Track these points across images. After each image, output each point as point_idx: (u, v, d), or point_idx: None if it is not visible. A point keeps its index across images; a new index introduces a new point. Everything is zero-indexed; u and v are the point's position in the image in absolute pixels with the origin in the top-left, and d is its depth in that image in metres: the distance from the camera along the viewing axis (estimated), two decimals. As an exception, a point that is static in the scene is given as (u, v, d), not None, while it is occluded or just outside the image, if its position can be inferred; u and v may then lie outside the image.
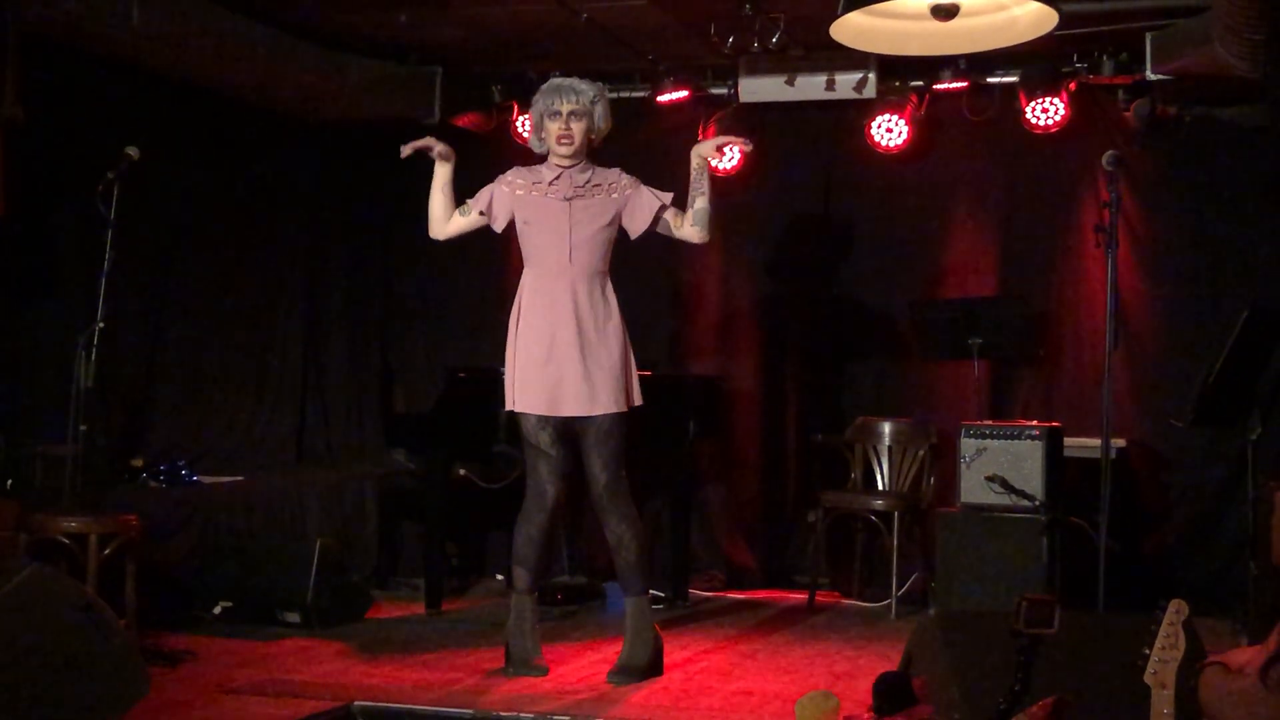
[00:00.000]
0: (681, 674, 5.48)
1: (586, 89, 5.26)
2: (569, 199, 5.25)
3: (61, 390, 5.81)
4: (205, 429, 7.68)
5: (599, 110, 5.28)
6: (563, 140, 5.23)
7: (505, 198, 5.37)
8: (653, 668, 5.29)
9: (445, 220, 5.50)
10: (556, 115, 5.23)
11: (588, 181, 5.29)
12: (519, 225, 5.35)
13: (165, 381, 7.49)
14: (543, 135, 5.32)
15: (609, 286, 5.31)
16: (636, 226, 5.36)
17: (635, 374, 5.33)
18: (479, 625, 6.54)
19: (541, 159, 5.42)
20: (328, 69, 7.37)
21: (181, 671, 5.32)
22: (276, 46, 7.01)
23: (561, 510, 5.41)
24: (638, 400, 5.32)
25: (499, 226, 5.42)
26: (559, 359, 5.17)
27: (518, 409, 5.26)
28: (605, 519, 5.31)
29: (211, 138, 7.59)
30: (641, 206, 5.33)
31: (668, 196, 5.39)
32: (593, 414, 5.18)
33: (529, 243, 5.32)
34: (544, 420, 5.23)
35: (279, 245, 8.28)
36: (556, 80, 5.33)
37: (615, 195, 5.31)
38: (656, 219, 5.35)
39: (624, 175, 5.37)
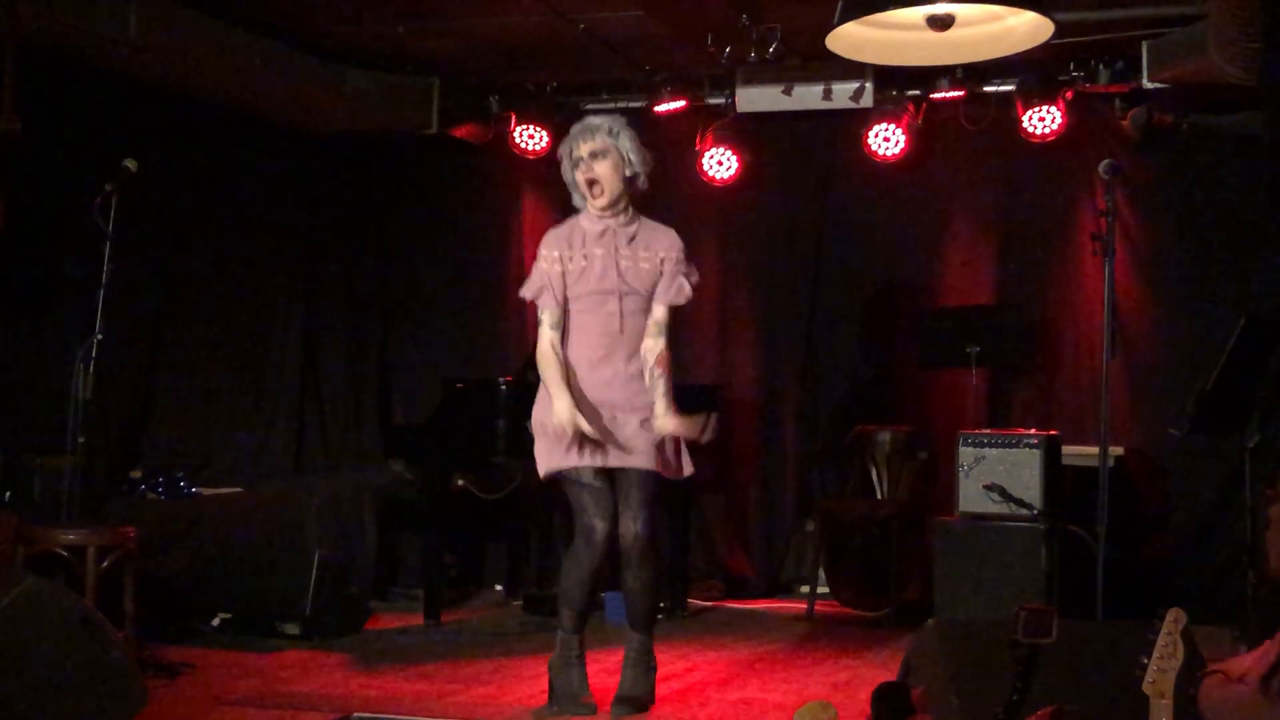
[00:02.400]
0: (680, 684, 5.48)
1: (602, 122, 4.86)
2: (617, 262, 4.86)
3: (60, 402, 5.80)
4: (204, 440, 7.67)
5: (624, 141, 4.84)
6: (594, 190, 4.83)
7: (557, 277, 4.91)
8: (650, 696, 5.07)
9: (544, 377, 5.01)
10: (580, 162, 4.84)
11: (633, 239, 4.90)
12: (571, 287, 4.94)
13: (164, 393, 7.48)
14: (581, 194, 4.90)
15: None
16: (655, 296, 4.97)
17: (684, 447, 5.02)
18: (478, 636, 6.55)
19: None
20: (326, 80, 7.38)
21: (180, 683, 5.32)
22: (274, 58, 7.02)
23: (610, 546, 4.96)
24: (690, 470, 5.06)
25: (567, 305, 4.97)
26: (605, 415, 4.85)
27: (550, 470, 4.92)
28: (633, 566, 4.94)
29: (209, 150, 7.59)
30: (661, 290, 4.94)
31: (686, 295, 4.99)
32: (637, 467, 4.88)
33: (576, 309, 4.93)
34: (584, 453, 4.87)
35: (277, 257, 8.28)
36: (575, 126, 4.94)
37: (658, 265, 4.91)
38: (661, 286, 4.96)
39: (675, 245, 4.96)
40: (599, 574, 5.00)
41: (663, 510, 7.15)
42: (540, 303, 4.97)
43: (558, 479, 4.96)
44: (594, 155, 4.82)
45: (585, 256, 4.89)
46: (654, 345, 4.93)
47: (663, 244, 4.95)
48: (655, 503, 4.99)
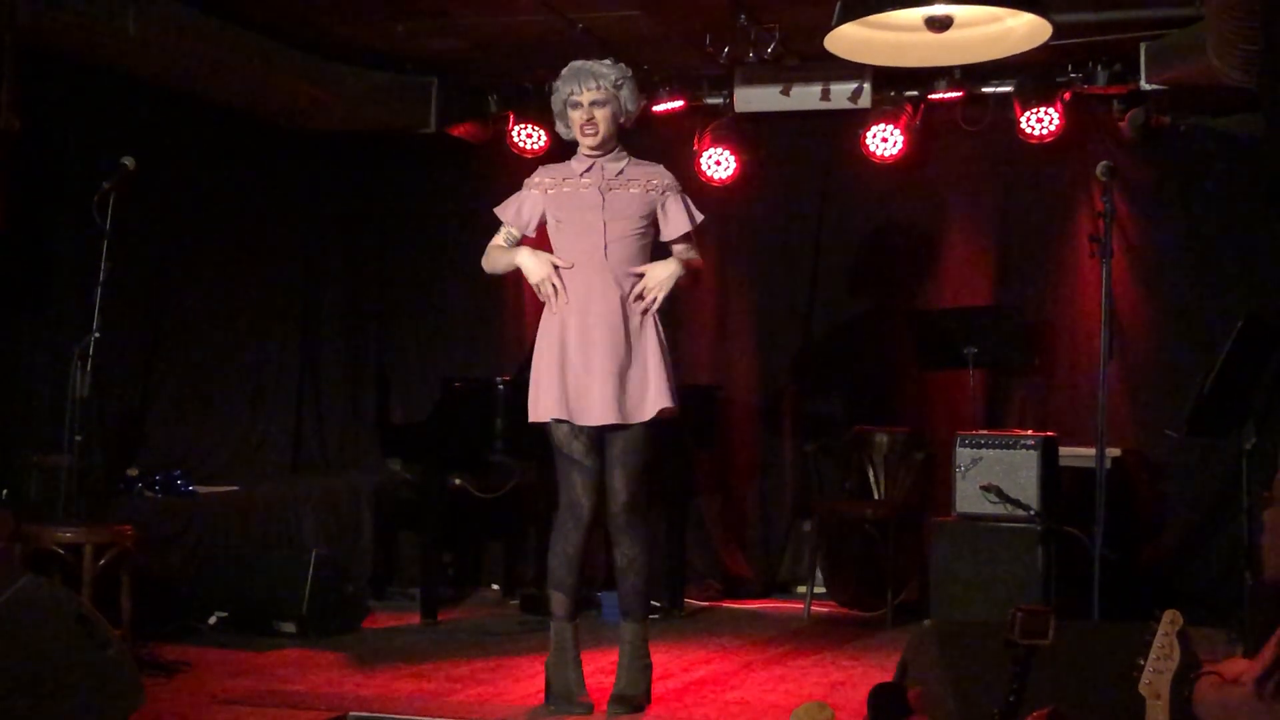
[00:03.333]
0: (677, 683, 5.48)
1: (608, 72, 4.88)
2: (602, 191, 4.89)
3: (57, 400, 5.81)
4: (201, 439, 7.67)
5: (625, 93, 4.91)
6: (587, 131, 4.88)
7: (534, 200, 5.01)
8: (646, 695, 5.03)
9: (499, 270, 5.25)
10: (578, 105, 4.88)
11: (620, 173, 4.92)
12: (550, 224, 5.00)
13: (161, 391, 7.48)
14: (567, 124, 4.97)
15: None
16: (667, 233, 5.02)
17: (671, 378, 4.93)
18: (475, 635, 6.55)
19: (571, 149, 5.08)
20: (324, 79, 7.37)
21: (177, 682, 5.32)
22: (273, 57, 7.02)
23: (596, 526, 4.96)
24: (670, 403, 4.90)
25: (531, 231, 5.06)
26: (589, 363, 4.82)
27: (540, 418, 4.92)
28: (619, 539, 4.94)
29: (208, 148, 7.59)
30: (670, 220, 4.98)
31: (695, 219, 5.04)
32: (622, 422, 4.84)
33: (561, 240, 4.97)
34: (575, 429, 4.86)
35: (275, 255, 8.28)
36: (576, 64, 4.94)
37: (651, 194, 4.94)
38: (669, 227, 5.00)
39: (666, 176, 5.01)
40: (586, 554, 4.97)
41: (657, 501, 7.21)
42: (503, 217, 5.10)
43: (551, 440, 4.94)
44: (596, 103, 4.88)
45: (570, 185, 4.96)
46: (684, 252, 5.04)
47: (654, 175, 4.99)
48: (642, 475, 4.95)
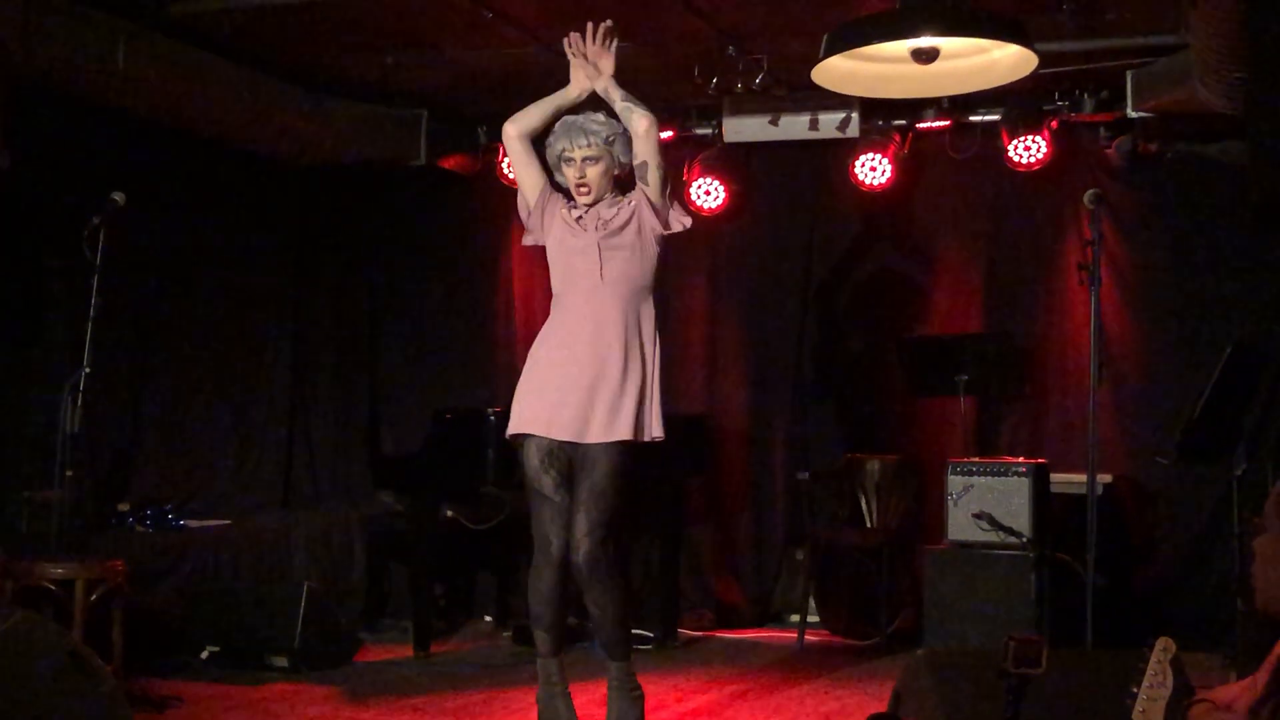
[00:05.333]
0: (671, 714, 5.47)
1: (600, 129, 4.83)
2: (596, 238, 4.81)
3: (48, 435, 5.79)
4: (191, 473, 7.66)
5: (618, 148, 4.85)
6: (580, 190, 4.84)
7: (553, 204, 4.91)
8: None
9: (530, 131, 4.90)
10: (571, 161, 4.84)
11: (614, 217, 4.83)
12: (554, 247, 4.90)
13: (151, 426, 7.47)
14: (560, 178, 4.92)
15: (647, 316, 4.85)
16: (657, 224, 4.86)
17: (656, 409, 4.81)
18: (468, 667, 6.54)
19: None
20: (313, 112, 7.39)
21: (169, 717, 5.32)
22: (262, 90, 7.04)
23: (566, 558, 4.79)
24: (654, 434, 4.80)
25: (535, 213, 4.91)
26: (576, 382, 4.72)
27: (512, 430, 4.84)
28: (586, 588, 4.75)
29: (197, 182, 7.60)
30: (642, 202, 4.85)
31: (636, 174, 4.88)
32: (592, 441, 4.72)
33: (559, 272, 4.88)
34: (547, 463, 4.77)
35: (265, 289, 8.28)
36: (568, 119, 4.89)
37: (631, 219, 4.83)
38: (650, 200, 4.83)
39: (633, 193, 4.91)
40: (564, 589, 4.83)
41: (648, 530, 7.22)
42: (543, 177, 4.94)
43: (523, 470, 4.84)
44: (587, 160, 4.83)
45: (571, 225, 4.85)
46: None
47: (632, 197, 4.87)
48: (609, 520, 4.75)
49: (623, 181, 4.97)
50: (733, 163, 7.88)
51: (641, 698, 4.94)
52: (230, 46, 6.71)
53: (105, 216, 5.54)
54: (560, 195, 4.97)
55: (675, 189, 4.99)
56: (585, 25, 4.89)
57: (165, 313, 7.59)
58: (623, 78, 4.90)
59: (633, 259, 4.83)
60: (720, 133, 7.70)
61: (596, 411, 4.73)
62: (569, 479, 4.79)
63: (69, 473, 5.47)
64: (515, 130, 4.89)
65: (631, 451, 4.79)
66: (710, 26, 6.49)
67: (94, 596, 5.35)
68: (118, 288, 5.97)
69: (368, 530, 7.60)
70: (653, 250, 4.88)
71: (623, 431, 4.73)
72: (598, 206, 4.88)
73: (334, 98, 7.48)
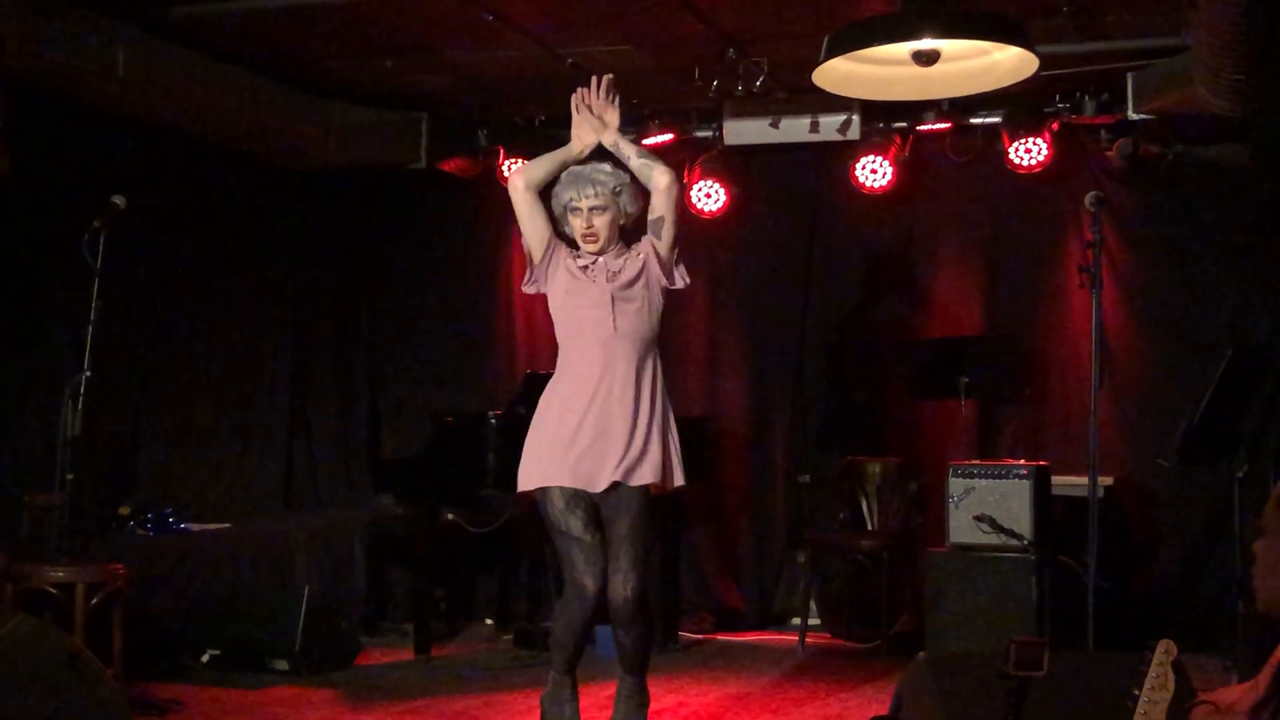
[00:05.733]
0: (671, 718, 5.46)
1: (606, 180, 4.80)
2: (608, 290, 4.77)
3: (48, 439, 5.80)
4: (192, 477, 7.67)
5: (624, 198, 4.83)
6: (588, 239, 4.80)
7: (557, 254, 4.86)
8: None
9: (537, 184, 4.83)
10: (578, 211, 4.80)
11: (621, 269, 4.80)
12: (560, 296, 4.84)
13: (152, 430, 7.48)
14: (567, 228, 4.88)
15: (656, 367, 4.83)
16: (666, 279, 4.86)
17: (677, 458, 4.84)
18: (469, 671, 6.53)
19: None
20: (314, 116, 7.40)
21: (169, 721, 5.31)
22: (262, 94, 7.04)
23: (602, 601, 4.72)
24: (683, 481, 4.85)
25: (539, 264, 4.84)
26: (601, 432, 4.68)
27: (537, 484, 4.74)
28: (625, 625, 4.74)
29: (198, 186, 7.61)
30: (650, 256, 4.84)
31: (650, 228, 4.86)
32: (627, 482, 4.68)
33: (567, 322, 4.83)
34: (572, 505, 4.67)
35: (266, 292, 8.29)
36: (575, 170, 4.85)
37: (641, 273, 4.81)
38: (659, 255, 4.83)
39: (642, 240, 4.88)
40: (591, 625, 4.77)
41: (653, 558, 7.17)
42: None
43: (546, 519, 4.78)
44: (594, 210, 4.80)
45: (580, 273, 4.82)
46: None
47: (640, 249, 4.86)
48: (646, 561, 4.82)
49: (627, 232, 4.94)
50: (733, 166, 7.88)
51: (646, 705, 4.93)
52: (231, 50, 6.71)
53: (106, 220, 5.54)
54: (564, 245, 4.92)
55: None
56: (590, 81, 4.85)
57: (166, 316, 7.59)
58: (623, 81, 4.89)
59: (643, 311, 4.82)
60: (721, 135, 7.70)
61: (621, 459, 4.68)
62: (597, 520, 4.72)
63: (70, 476, 5.47)
64: (522, 182, 4.85)
65: (657, 498, 4.80)
66: (711, 29, 6.49)
67: (95, 600, 5.35)
68: (118, 291, 5.98)
69: (368, 534, 7.60)
70: (659, 303, 4.87)
71: (650, 475, 4.72)
72: (604, 257, 4.84)
73: (334, 101, 7.49)
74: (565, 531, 4.68)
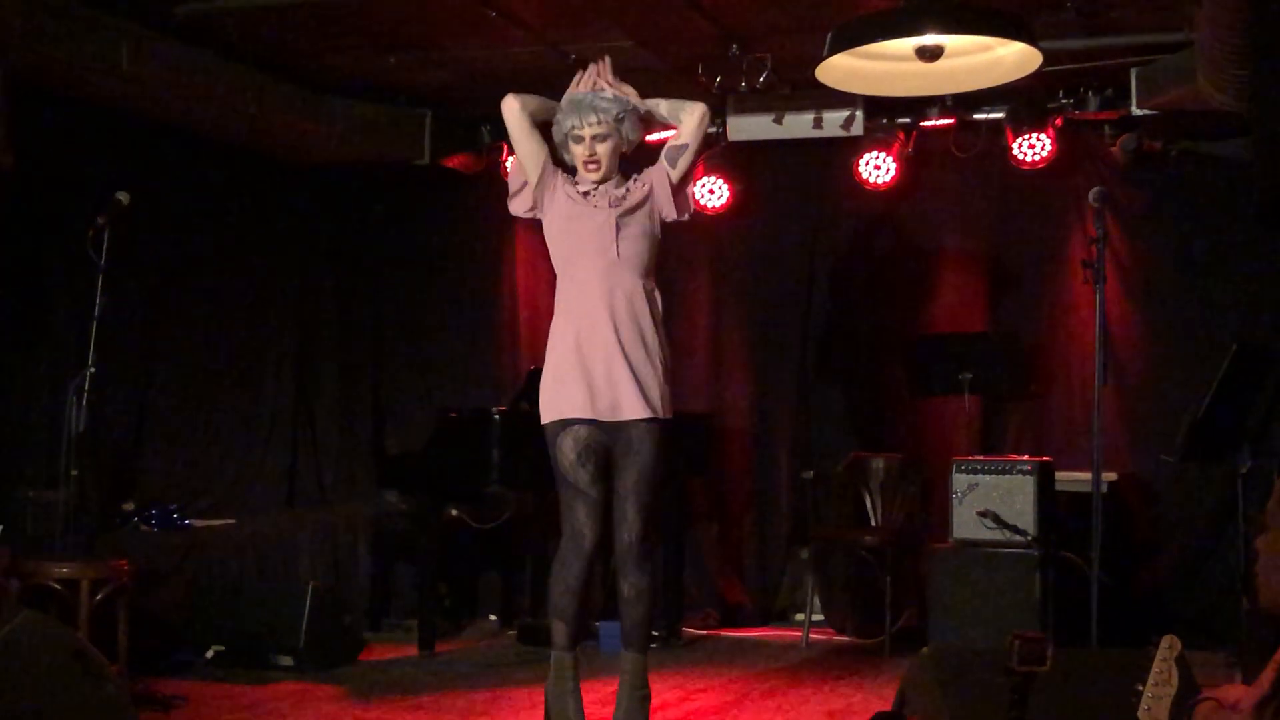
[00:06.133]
0: (675, 714, 5.47)
1: (609, 106, 4.82)
2: (612, 215, 4.78)
3: (53, 435, 5.80)
4: (196, 472, 7.66)
5: (626, 125, 4.84)
6: (590, 166, 4.82)
7: (554, 178, 4.87)
8: None
9: (530, 112, 4.87)
10: (580, 139, 4.81)
11: (625, 196, 4.82)
12: (559, 222, 4.85)
13: (156, 426, 7.48)
14: (568, 156, 4.89)
15: (655, 296, 4.85)
16: (669, 209, 4.87)
17: (667, 389, 4.81)
18: (472, 666, 6.53)
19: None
20: (317, 112, 7.40)
21: (174, 717, 5.30)
22: (265, 90, 7.04)
23: (598, 555, 4.82)
24: (667, 414, 4.79)
25: (536, 187, 4.86)
26: (605, 361, 4.70)
27: (559, 415, 4.75)
28: (627, 571, 4.79)
29: (201, 182, 7.61)
30: (657, 184, 4.85)
31: (666, 154, 4.89)
32: (636, 418, 4.69)
33: (567, 248, 4.85)
34: (584, 456, 4.72)
35: (269, 288, 8.29)
36: (577, 97, 4.86)
37: (645, 201, 4.84)
38: (670, 183, 4.85)
39: (646, 170, 4.90)
40: (589, 583, 4.81)
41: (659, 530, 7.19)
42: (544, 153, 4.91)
43: (554, 465, 4.79)
44: (596, 138, 4.80)
45: (578, 200, 4.82)
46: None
47: (641, 177, 4.87)
48: (653, 509, 4.83)
49: (626, 160, 4.95)
50: (737, 162, 7.87)
51: (648, 699, 4.90)
52: (234, 47, 6.72)
53: (110, 216, 5.55)
54: (562, 171, 4.91)
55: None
56: (591, 66, 4.86)
57: (170, 312, 7.59)
58: (627, 77, 4.90)
59: (643, 238, 4.83)
60: (724, 132, 7.69)
61: (628, 387, 4.71)
62: (606, 472, 4.77)
63: (74, 472, 5.47)
64: (518, 103, 4.86)
65: (666, 430, 4.79)
66: (714, 25, 6.49)
67: (99, 596, 5.36)
68: (122, 288, 5.96)
69: (373, 530, 7.61)
70: (658, 233, 4.88)
71: (658, 407, 4.74)
72: (606, 184, 4.85)
73: (337, 97, 7.49)
74: (573, 484, 4.73)
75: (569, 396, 4.73)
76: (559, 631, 4.81)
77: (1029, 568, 6.22)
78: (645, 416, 4.72)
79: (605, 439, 4.74)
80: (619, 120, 4.83)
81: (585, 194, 4.84)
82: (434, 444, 7.00)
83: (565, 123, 4.85)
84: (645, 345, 4.77)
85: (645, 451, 4.74)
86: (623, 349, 4.72)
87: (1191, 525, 7.21)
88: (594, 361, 4.72)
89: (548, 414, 4.78)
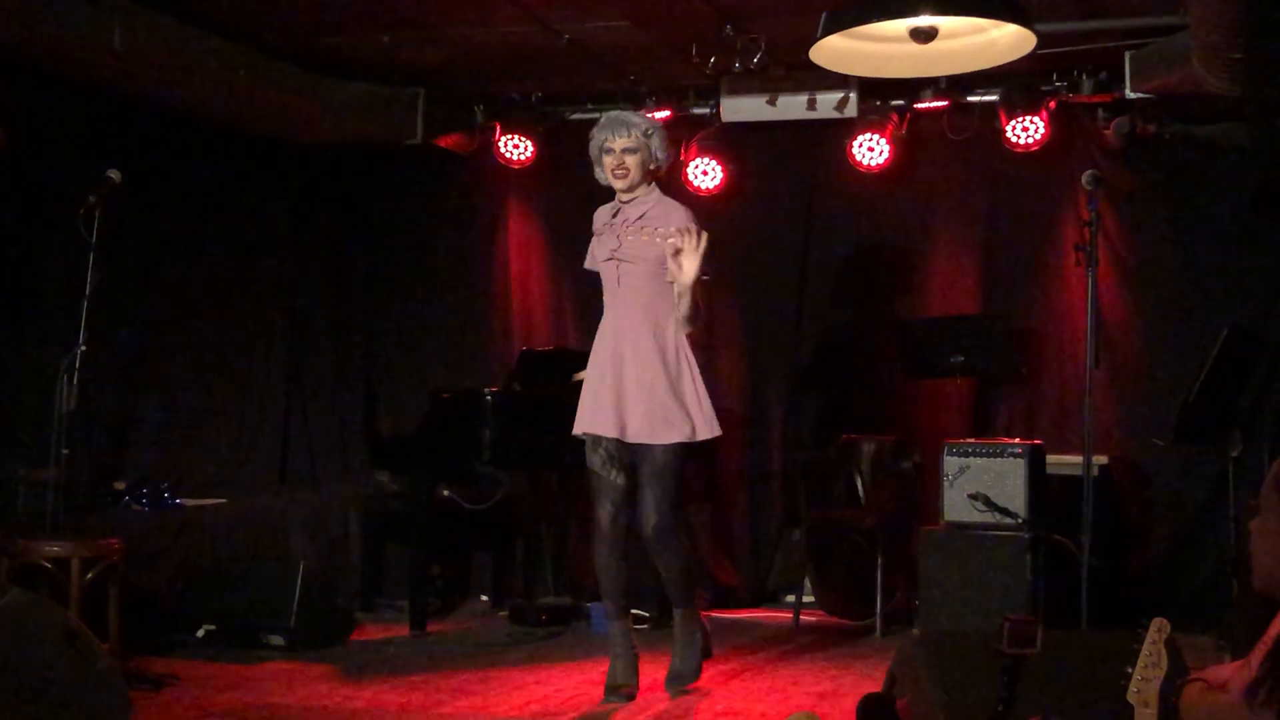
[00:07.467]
0: (665, 694, 5.48)
1: (639, 122, 5.27)
2: (620, 237, 5.25)
3: (43, 414, 5.79)
4: (188, 452, 7.66)
5: (655, 141, 5.27)
6: (617, 175, 5.23)
7: (593, 243, 5.42)
8: (698, 671, 5.51)
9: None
10: (610, 151, 5.24)
11: (641, 216, 5.24)
12: (599, 251, 5.40)
13: (147, 404, 7.47)
14: (602, 169, 5.30)
15: (670, 325, 5.19)
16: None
17: (707, 407, 5.24)
18: (464, 647, 6.54)
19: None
20: (309, 91, 7.38)
21: (165, 696, 5.30)
22: (258, 69, 7.02)
23: (624, 534, 5.30)
24: (710, 433, 5.26)
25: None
26: (615, 383, 5.18)
27: (580, 430, 5.28)
28: (655, 557, 5.30)
29: (193, 160, 7.59)
30: (667, 258, 5.10)
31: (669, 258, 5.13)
32: (649, 443, 5.17)
33: (601, 277, 5.36)
34: (595, 443, 5.23)
35: (262, 266, 8.28)
36: (612, 114, 5.33)
37: (652, 252, 5.17)
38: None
39: (688, 222, 5.10)
40: (620, 559, 5.28)
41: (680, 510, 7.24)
42: (587, 265, 5.48)
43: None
44: (626, 150, 5.22)
45: (608, 228, 5.31)
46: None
47: (674, 216, 5.19)
48: (672, 497, 5.22)
49: (658, 180, 5.37)
50: (730, 143, 7.86)
51: (699, 644, 5.51)
52: (227, 24, 6.69)
53: (101, 194, 5.52)
54: (595, 229, 5.40)
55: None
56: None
57: (161, 291, 7.58)
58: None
59: (646, 275, 5.23)
60: (718, 113, 7.68)
61: (637, 412, 5.16)
62: (619, 459, 5.23)
63: (65, 451, 5.46)
64: None
65: (685, 448, 5.24)
66: (708, 5, 6.47)
67: (90, 575, 5.35)
68: (113, 266, 5.94)
69: (364, 510, 7.61)
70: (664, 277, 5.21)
71: (665, 434, 5.16)
72: (627, 205, 5.26)
73: (330, 76, 7.46)
74: (590, 468, 5.27)
75: (595, 414, 5.21)
76: (607, 607, 5.40)
77: (1020, 550, 6.23)
78: (660, 443, 5.16)
79: (629, 450, 5.22)
80: (647, 135, 5.26)
81: (613, 215, 5.31)
82: (426, 424, 6.99)
83: (599, 136, 5.29)
84: (653, 375, 5.16)
85: (655, 458, 5.19)
86: (640, 376, 5.16)
87: (1182, 508, 7.22)
88: (604, 386, 5.20)
89: (579, 425, 5.28)
